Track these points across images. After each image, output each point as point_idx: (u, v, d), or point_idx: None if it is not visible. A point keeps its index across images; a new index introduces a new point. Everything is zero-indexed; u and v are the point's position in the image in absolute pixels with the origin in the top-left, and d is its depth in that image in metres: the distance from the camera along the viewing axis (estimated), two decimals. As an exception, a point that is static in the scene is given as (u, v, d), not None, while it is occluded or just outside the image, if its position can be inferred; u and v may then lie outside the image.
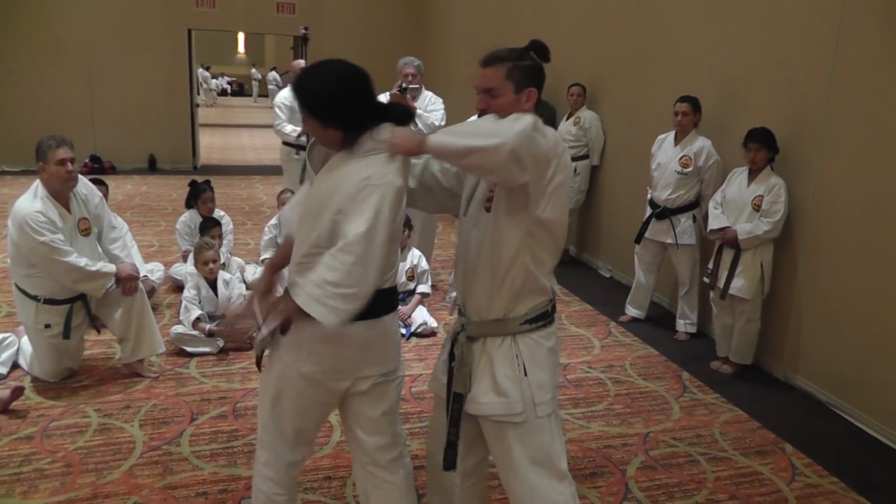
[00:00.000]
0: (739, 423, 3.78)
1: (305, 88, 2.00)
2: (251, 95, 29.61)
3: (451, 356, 2.15)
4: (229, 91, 30.62)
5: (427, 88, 5.66)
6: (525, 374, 2.05)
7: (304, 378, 2.11)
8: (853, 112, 3.87)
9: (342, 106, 1.97)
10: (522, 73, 2.04)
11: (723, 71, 4.90)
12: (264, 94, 28.21)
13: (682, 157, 4.77)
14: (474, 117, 5.25)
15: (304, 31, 6.53)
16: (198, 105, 11.91)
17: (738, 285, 4.23)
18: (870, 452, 3.59)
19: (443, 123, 5.57)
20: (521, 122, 1.84)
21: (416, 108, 5.40)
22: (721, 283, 4.31)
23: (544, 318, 2.11)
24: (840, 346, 3.98)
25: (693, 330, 5.01)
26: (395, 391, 2.26)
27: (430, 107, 5.60)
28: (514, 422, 2.06)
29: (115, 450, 3.22)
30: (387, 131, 2.00)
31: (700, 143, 4.74)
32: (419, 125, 5.39)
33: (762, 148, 4.14)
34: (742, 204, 4.23)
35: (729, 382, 4.30)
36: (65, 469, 3.05)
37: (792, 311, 4.29)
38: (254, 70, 29.82)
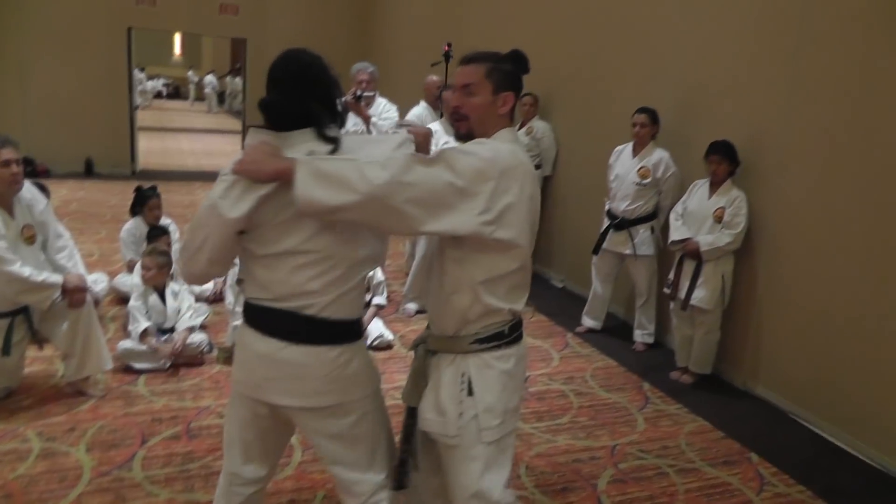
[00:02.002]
0: (704, 434, 3.79)
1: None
2: (188, 98, 28.89)
3: None
4: (164, 94, 29.79)
5: (379, 95, 5.58)
6: (471, 395, 1.94)
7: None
8: (812, 125, 3.95)
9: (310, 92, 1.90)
10: (502, 76, 1.98)
11: (681, 82, 4.96)
12: (201, 97, 27.60)
13: (640, 169, 4.80)
14: (435, 124, 5.20)
15: (447, 47, 5.84)
16: (137, 107, 11.50)
17: (699, 296, 4.27)
18: (833, 460, 3.66)
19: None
20: (390, 167, 1.72)
21: (370, 116, 5.31)
22: (682, 294, 4.34)
23: (498, 338, 1.97)
24: (800, 356, 4.05)
25: (651, 340, 5.04)
26: (350, 427, 2.03)
27: (384, 114, 5.51)
28: (449, 443, 1.98)
29: (60, 477, 3.00)
30: (253, 138, 1.89)
31: (658, 155, 4.78)
32: (374, 133, 5.29)
33: (724, 160, 4.19)
34: (703, 216, 4.27)
35: (690, 392, 4.32)
36: (4, 500, 2.82)
37: (751, 322, 4.35)
38: (191, 73, 29.11)
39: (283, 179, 1.75)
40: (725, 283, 4.25)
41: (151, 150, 14.15)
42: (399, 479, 2.08)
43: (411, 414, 2.04)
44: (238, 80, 26.02)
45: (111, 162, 10.89)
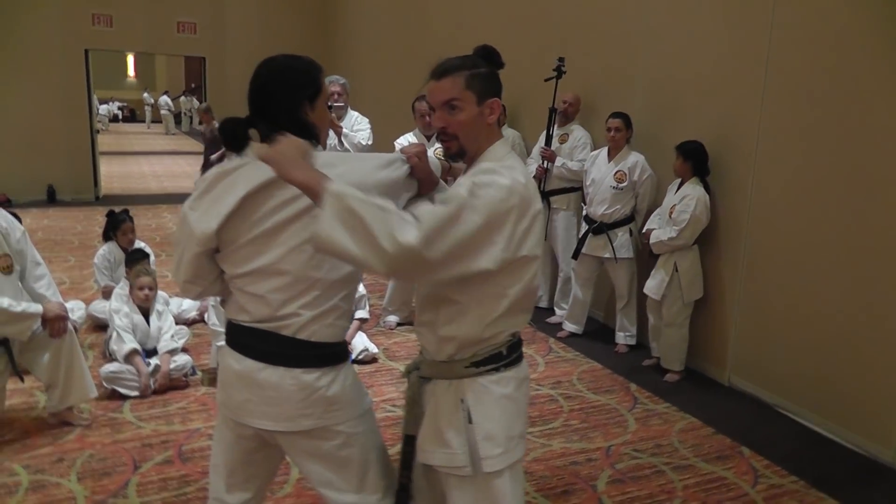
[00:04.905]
0: (695, 431, 3.85)
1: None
2: (143, 121, 28.48)
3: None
4: (120, 117, 29.32)
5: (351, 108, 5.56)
6: (470, 422, 1.78)
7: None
8: (785, 125, 4.04)
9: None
10: (483, 82, 1.79)
11: (654, 86, 5.03)
12: (157, 119, 27.23)
13: (616, 173, 4.87)
14: (409, 136, 5.20)
15: (559, 62, 5.29)
16: (98, 131, 11.29)
17: (649, 285, 4.49)
18: (821, 449, 3.74)
19: (369, 143, 5.47)
20: (410, 232, 1.54)
21: (342, 128, 5.30)
22: (654, 285, 4.56)
23: (495, 360, 1.80)
24: (782, 350, 4.13)
25: (633, 342, 5.09)
26: (337, 449, 1.94)
27: (356, 126, 5.49)
28: (459, 475, 1.80)
29: (53, 509, 2.92)
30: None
31: (634, 158, 4.85)
32: (345, 145, 5.28)
33: (680, 158, 4.37)
34: (664, 211, 4.49)
35: (676, 391, 4.38)
36: (-1, 535, 2.74)
37: (732, 318, 4.43)
38: (146, 94, 28.70)
39: (307, 194, 1.63)
40: (681, 277, 4.37)
41: (113, 175, 13.94)
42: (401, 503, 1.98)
43: (409, 442, 1.91)
44: (193, 100, 25.83)
45: (73, 188, 10.67)
